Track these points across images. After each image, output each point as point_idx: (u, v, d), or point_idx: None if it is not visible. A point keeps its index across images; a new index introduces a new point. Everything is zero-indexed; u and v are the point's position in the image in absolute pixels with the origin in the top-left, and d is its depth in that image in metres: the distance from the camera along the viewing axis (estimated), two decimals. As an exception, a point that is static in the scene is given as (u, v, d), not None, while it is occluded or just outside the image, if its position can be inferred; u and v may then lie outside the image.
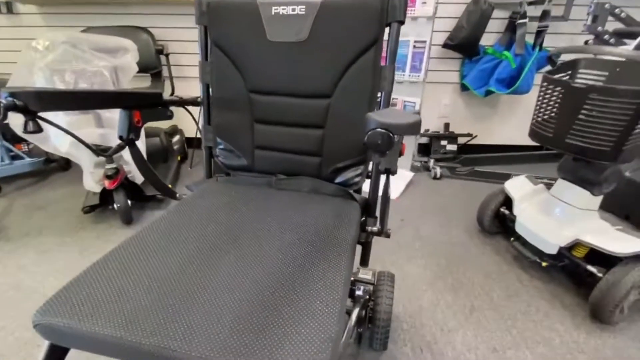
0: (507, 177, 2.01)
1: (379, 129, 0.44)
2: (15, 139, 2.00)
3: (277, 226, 0.63)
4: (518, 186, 1.37)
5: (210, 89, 0.81)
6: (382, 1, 0.64)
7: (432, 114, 2.36)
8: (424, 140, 2.42)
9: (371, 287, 0.88)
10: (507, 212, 1.39)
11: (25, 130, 0.49)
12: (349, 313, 0.79)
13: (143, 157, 0.73)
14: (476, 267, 1.32)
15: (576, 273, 1.17)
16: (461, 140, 2.37)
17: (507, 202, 1.40)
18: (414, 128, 0.46)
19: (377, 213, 0.74)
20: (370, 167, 0.76)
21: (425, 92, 2.03)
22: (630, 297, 1.01)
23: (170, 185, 1.42)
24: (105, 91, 0.63)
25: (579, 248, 1.12)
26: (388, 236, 0.73)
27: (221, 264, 0.53)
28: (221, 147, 0.84)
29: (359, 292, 0.85)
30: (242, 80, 0.77)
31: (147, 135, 1.86)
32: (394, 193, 1.91)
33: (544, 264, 1.20)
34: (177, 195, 0.82)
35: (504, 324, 1.07)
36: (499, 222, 1.47)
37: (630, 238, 1.02)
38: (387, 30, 0.67)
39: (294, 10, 0.69)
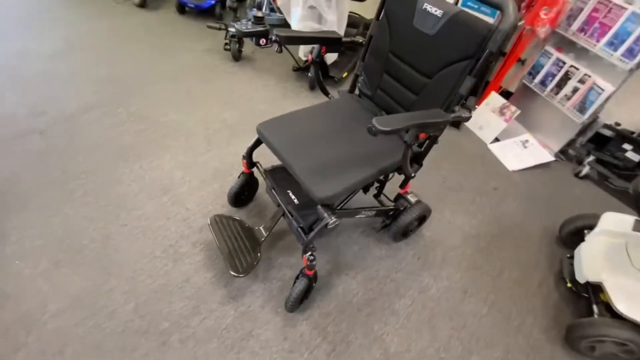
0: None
1: None
2: None
3: (364, 137, 1.16)
4: (613, 221, 1.34)
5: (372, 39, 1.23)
6: (488, 31, 0.86)
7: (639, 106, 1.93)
8: (607, 132, 2.07)
9: (407, 205, 1.35)
10: (587, 234, 1.42)
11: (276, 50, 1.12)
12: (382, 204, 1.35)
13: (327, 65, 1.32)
14: (515, 251, 1.53)
15: (588, 308, 1.27)
16: (653, 154, 1.93)
17: (594, 227, 1.41)
18: None
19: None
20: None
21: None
22: (606, 345, 1.15)
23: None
24: (311, 36, 1.17)
25: (604, 293, 1.21)
26: (410, 176, 1.15)
27: (332, 141, 1.12)
28: (362, 78, 1.31)
29: (397, 203, 1.35)
30: (388, 42, 1.15)
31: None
32: (514, 164, 1.97)
33: (568, 284, 1.34)
34: (329, 96, 1.39)
35: (491, 289, 1.39)
36: (575, 239, 1.50)
37: (645, 310, 1.07)
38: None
39: (435, 11, 0.97)
